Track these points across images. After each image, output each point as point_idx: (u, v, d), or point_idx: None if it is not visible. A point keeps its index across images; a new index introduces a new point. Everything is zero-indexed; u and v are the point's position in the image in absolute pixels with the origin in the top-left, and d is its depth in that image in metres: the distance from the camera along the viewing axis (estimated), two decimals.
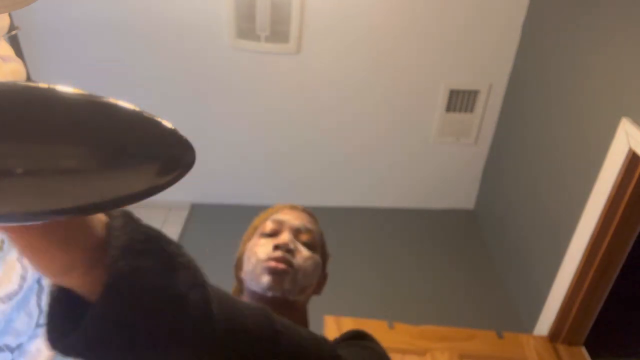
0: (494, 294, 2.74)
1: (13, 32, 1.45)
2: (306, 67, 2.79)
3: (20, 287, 1.43)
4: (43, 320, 1.61)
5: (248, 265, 0.90)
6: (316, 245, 0.96)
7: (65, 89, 0.36)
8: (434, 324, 2.24)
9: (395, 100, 2.93)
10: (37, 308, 1.56)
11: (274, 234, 0.93)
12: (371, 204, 3.29)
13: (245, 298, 0.90)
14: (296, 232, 0.94)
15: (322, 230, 1.04)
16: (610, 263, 1.99)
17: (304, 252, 0.91)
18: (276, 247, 0.88)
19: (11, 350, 1.47)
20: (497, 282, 2.81)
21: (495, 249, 2.97)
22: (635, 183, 1.79)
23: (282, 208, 1.00)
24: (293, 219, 0.96)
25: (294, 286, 0.87)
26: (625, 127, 1.78)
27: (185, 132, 0.43)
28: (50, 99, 0.36)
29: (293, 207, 1.01)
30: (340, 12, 2.63)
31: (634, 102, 1.77)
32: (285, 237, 0.91)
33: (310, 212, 1.03)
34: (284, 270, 0.86)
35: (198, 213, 3.16)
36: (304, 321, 0.93)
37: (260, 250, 0.89)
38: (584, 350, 2.22)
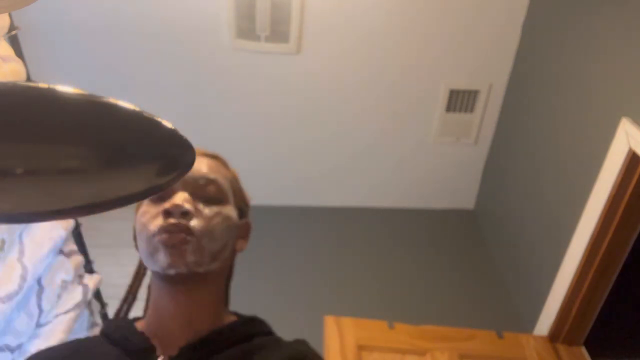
0: (494, 294, 2.74)
1: (13, 32, 1.45)
2: (306, 67, 2.79)
3: (20, 287, 1.43)
4: (43, 320, 1.61)
5: (140, 242, 0.75)
6: (224, 195, 0.78)
7: (65, 89, 0.36)
8: (434, 324, 2.23)
9: (395, 100, 2.93)
10: (37, 308, 1.56)
11: (165, 196, 0.74)
12: (371, 204, 3.29)
13: (153, 287, 0.78)
14: (194, 188, 0.74)
15: (235, 172, 0.87)
16: (610, 263, 1.99)
17: (205, 211, 0.73)
18: (167, 214, 0.70)
19: (11, 350, 1.48)
20: (497, 282, 2.81)
21: (495, 249, 2.97)
22: (635, 183, 1.79)
23: None
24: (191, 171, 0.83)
25: (200, 256, 0.71)
26: (625, 127, 1.78)
27: (185, 132, 0.43)
28: (50, 99, 0.36)
29: None
30: (340, 12, 2.63)
31: (634, 102, 1.77)
32: (177, 198, 0.71)
33: (213, 153, 0.84)
34: (181, 241, 0.69)
35: None
36: (220, 293, 0.79)
37: (149, 222, 0.72)
38: (584, 350, 2.22)
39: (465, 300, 2.68)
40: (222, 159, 0.85)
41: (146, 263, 0.75)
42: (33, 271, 1.49)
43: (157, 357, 0.71)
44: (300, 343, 0.78)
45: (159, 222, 0.71)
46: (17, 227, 1.50)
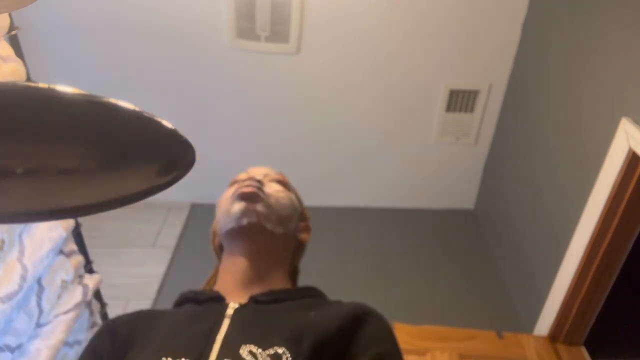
0: (494, 294, 2.74)
1: (13, 32, 1.45)
2: (306, 67, 2.79)
3: (20, 287, 1.43)
4: (43, 320, 1.61)
5: (220, 213, 0.88)
6: (289, 187, 0.96)
7: (65, 89, 0.36)
8: (434, 324, 2.24)
9: (395, 100, 2.93)
10: (37, 308, 1.56)
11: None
12: (371, 204, 3.29)
13: (226, 257, 0.87)
14: (264, 176, 0.93)
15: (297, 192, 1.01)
16: (610, 263, 1.99)
17: (274, 185, 0.90)
18: (243, 181, 0.88)
19: (11, 350, 1.47)
20: (497, 282, 2.81)
21: (495, 249, 2.97)
22: (635, 183, 1.79)
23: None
24: (259, 169, 0.97)
25: (269, 211, 0.84)
26: (625, 127, 1.78)
27: (185, 132, 0.43)
28: (50, 99, 0.36)
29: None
30: (340, 12, 2.63)
31: (634, 102, 1.77)
32: (250, 174, 0.92)
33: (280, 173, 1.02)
34: (253, 193, 0.84)
35: (198, 213, 3.16)
36: (285, 264, 0.89)
37: (228, 194, 0.88)
38: (584, 350, 2.22)
39: (465, 300, 2.68)
40: (285, 179, 0.99)
41: (224, 227, 0.85)
42: (33, 271, 1.49)
43: (227, 303, 0.77)
44: (357, 302, 0.83)
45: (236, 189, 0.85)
46: (17, 227, 1.50)
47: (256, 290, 0.80)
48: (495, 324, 2.35)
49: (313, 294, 0.85)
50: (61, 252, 1.70)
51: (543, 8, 2.52)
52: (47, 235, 1.58)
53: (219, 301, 0.79)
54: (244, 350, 0.67)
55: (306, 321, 0.73)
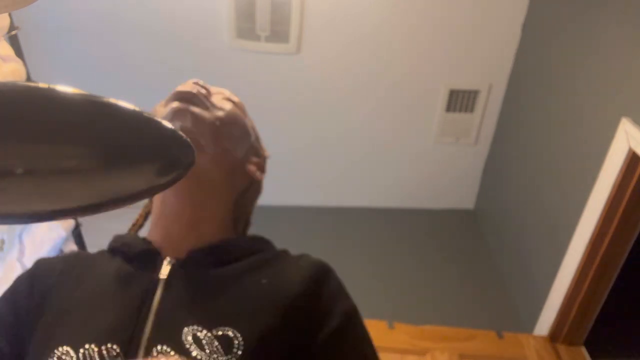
0: (494, 294, 2.74)
1: (13, 32, 1.45)
2: (306, 67, 2.79)
3: None
4: None
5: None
6: (246, 114, 0.80)
7: (65, 89, 0.36)
8: (434, 324, 2.24)
9: (395, 100, 2.93)
10: None
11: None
12: (371, 204, 3.28)
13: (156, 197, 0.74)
14: (217, 93, 0.79)
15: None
16: (610, 263, 1.99)
17: (225, 102, 0.76)
18: (178, 97, 0.72)
19: None
20: (497, 282, 2.81)
21: (495, 249, 2.97)
22: (635, 183, 1.79)
23: None
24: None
25: (208, 120, 0.70)
26: (625, 127, 1.78)
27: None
28: (50, 99, 0.36)
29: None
30: (340, 12, 2.63)
31: (634, 102, 1.77)
32: (191, 84, 0.75)
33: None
34: (192, 94, 0.72)
35: None
36: (227, 209, 0.75)
37: (160, 112, 0.74)
38: (584, 350, 2.22)
39: (465, 300, 2.68)
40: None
41: None
42: None
43: (162, 259, 0.66)
44: (308, 255, 0.76)
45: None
46: (17, 227, 1.50)
47: (192, 240, 0.69)
48: (495, 324, 2.35)
49: (261, 248, 0.73)
50: (61, 252, 1.70)
51: (543, 8, 2.52)
52: (47, 235, 1.58)
53: (152, 256, 0.67)
54: (187, 335, 0.57)
55: (258, 292, 0.64)
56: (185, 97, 0.71)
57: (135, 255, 0.68)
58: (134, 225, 0.86)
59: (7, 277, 1.42)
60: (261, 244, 0.75)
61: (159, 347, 0.57)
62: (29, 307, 0.66)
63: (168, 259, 0.67)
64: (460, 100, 2.92)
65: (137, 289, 0.63)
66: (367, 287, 2.71)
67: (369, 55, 2.77)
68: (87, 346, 0.58)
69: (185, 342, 0.57)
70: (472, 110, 2.95)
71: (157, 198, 0.73)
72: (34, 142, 0.34)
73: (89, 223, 1.89)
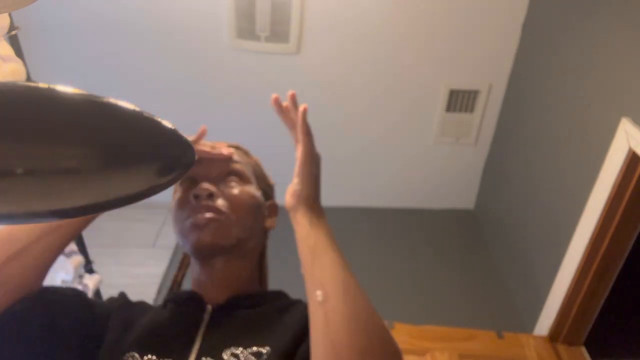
0: (494, 294, 2.74)
1: (13, 32, 1.45)
2: (306, 67, 2.79)
3: None
4: None
5: (174, 224, 0.84)
6: (246, 176, 0.88)
7: (65, 89, 0.36)
8: (434, 324, 2.24)
9: (395, 100, 2.93)
10: None
11: (196, 181, 0.84)
12: (371, 204, 3.29)
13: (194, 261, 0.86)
14: (218, 171, 0.84)
15: (257, 159, 0.98)
16: (610, 263, 1.99)
17: (229, 191, 0.83)
18: (195, 197, 0.79)
19: None
20: (497, 282, 2.81)
21: (495, 249, 2.97)
22: (635, 183, 1.79)
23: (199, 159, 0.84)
24: (208, 168, 0.84)
25: (227, 232, 0.79)
26: (625, 127, 1.78)
27: (185, 132, 0.43)
28: (50, 99, 0.36)
29: (212, 151, 0.86)
30: (340, 12, 2.63)
31: (634, 102, 1.77)
32: (202, 184, 0.81)
33: (234, 144, 0.96)
34: (209, 220, 0.78)
35: None
36: (253, 268, 0.88)
37: (181, 205, 0.82)
38: (584, 350, 2.22)
39: (465, 300, 2.68)
40: (243, 148, 0.95)
41: (182, 243, 0.82)
42: None
43: (206, 304, 0.80)
44: None
45: (189, 204, 0.80)
46: None
47: (232, 289, 0.82)
48: (495, 324, 2.35)
49: (282, 297, 0.88)
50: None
51: (543, 8, 2.52)
52: None
53: (198, 301, 0.81)
54: (226, 353, 0.71)
55: (281, 323, 0.77)
56: (201, 226, 0.78)
57: (183, 301, 0.82)
58: (175, 277, 0.99)
59: None
60: (281, 295, 0.88)
61: (203, 359, 0.71)
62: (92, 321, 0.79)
63: (209, 305, 0.81)
64: (460, 100, 2.92)
65: (189, 320, 0.78)
66: (367, 287, 2.70)
67: (368, 55, 2.77)
68: (150, 355, 0.71)
69: (225, 356, 0.71)
70: (472, 110, 2.95)
71: (193, 271, 0.86)
72: (34, 142, 0.34)
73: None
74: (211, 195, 0.79)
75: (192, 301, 0.81)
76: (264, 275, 0.97)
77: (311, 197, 0.83)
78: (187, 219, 0.79)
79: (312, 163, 0.87)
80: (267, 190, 0.94)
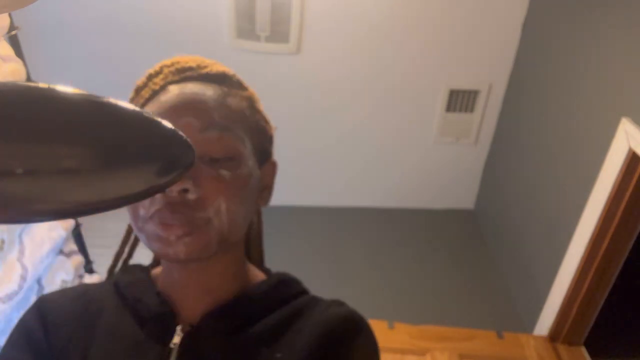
0: (494, 294, 2.74)
1: (13, 32, 1.45)
2: (306, 67, 2.79)
3: (20, 287, 1.43)
4: None
5: (130, 218, 0.60)
6: (237, 150, 0.59)
7: (65, 89, 0.36)
8: (434, 324, 2.24)
9: (395, 100, 2.93)
10: None
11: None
12: (371, 204, 3.28)
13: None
14: (199, 149, 0.54)
15: (250, 93, 0.67)
16: (610, 263, 1.99)
17: (216, 181, 0.56)
18: (166, 203, 0.55)
19: None
20: (497, 282, 2.81)
21: (495, 249, 2.97)
22: (635, 183, 1.79)
23: (169, 103, 0.60)
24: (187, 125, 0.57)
25: (205, 244, 0.56)
26: (625, 127, 1.78)
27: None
28: (50, 99, 0.36)
29: (182, 98, 0.60)
30: (340, 12, 2.63)
31: (634, 102, 1.77)
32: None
33: (218, 72, 0.64)
34: (181, 236, 0.55)
35: None
36: (241, 255, 0.67)
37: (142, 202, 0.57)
38: (584, 350, 2.22)
39: (465, 300, 2.68)
40: (230, 81, 0.64)
41: (145, 244, 0.60)
42: (33, 271, 1.49)
43: (176, 324, 0.61)
44: (340, 304, 0.67)
45: (153, 200, 0.55)
46: (17, 227, 1.50)
47: (214, 295, 0.63)
48: (495, 324, 2.36)
49: (283, 297, 0.66)
50: (61, 252, 1.70)
51: (543, 8, 2.52)
52: (47, 235, 1.58)
53: (166, 321, 0.62)
54: None
55: (288, 343, 0.60)
56: (168, 218, 0.55)
57: (147, 318, 0.62)
58: (117, 256, 0.75)
59: (7, 277, 1.42)
60: (286, 289, 0.67)
61: None
62: (48, 348, 0.62)
63: (181, 326, 0.61)
64: (460, 100, 2.92)
65: (152, 352, 0.60)
66: (367, 287, 2.72)
67: (369, 55, 2.77)
68: None
69: None
70: (472, 110, 2.95)
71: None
72: (34, 142, 0.34)
73: (89, 223, 1.89)
74: (186, 192, 0.55)
75: (160, 321, 0.62)
76: (256, 254, 0.75)
77: None
78: (149, 222, 0.56)
79: None
80: (265, 145, 0.67)
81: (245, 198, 0.60)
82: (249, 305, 0.64)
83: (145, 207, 0.56)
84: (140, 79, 0.73)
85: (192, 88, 0.61)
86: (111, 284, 0.69)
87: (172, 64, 0.68)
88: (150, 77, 0.70)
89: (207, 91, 0.61)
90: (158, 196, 0.55)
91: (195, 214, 0.55)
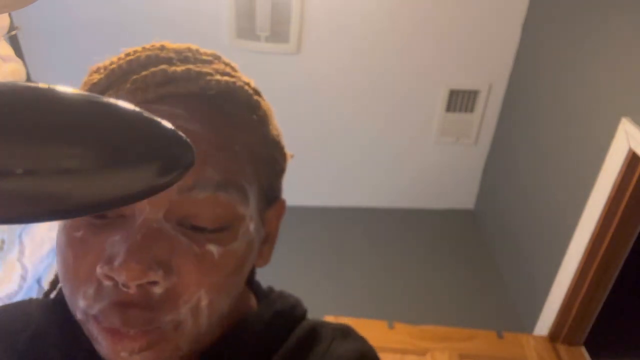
0: (494, 294, 2.74)
1: (13, 32, 1.46)
2: (306, 67, 2.79)
3: (20, 287, 1.43)
4: None
5: (65, 290, 0.41)
6: (237, 214, 0.43)
7: (65, 89, 0.36)
8: (434, 324, 2.24)
9: (395, 100, 2.93)
10: None
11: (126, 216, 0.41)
12: (371, 204, 3.28)
13: None
14: (179, 208, 0.40)
15: (266, 107, 0.51)
16: (610, 263, 1.99)
17: (197, 260, 0.40)
18: (118, 286, 0.38)
19: None
20: (497, 282, 2.81)
21: (495, 249, 2.97)
22: (635, 183, 1.79)
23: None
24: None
25: (173, 354, 0.41)
26: (625, 127, 1.78)
27: None
28: (50, 99, 0.36)
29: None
30: (340, 12, 2.63)
31: (634, 102, 1.77)
32: (129, 262, 0.37)
33: (211, 55, 0.50)
34: (139, 349, 0.38)
35: None
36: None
37: (78, 274, 0.39)
38: (584, 350, 2.22)
39: (465, 300, 2.68)
40: (239, 100, 0.48)
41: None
42: (33, 271, 1.49)
43: None
44: (344, 336, 0.55)
45: (101, 297, 0.39)
46: (17, 227, 1.50)
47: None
48: (495, 324, 2.36)
49: (283, 330, 0.52)
50: None
51: (543, 8, 2.52)
52: (47, 235, 1.58)
53: None
54: None
55: None
56: (119, 314, 0.38)
57: None
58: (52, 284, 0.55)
59: (7, 277, 1.42)
60: (283, 322, 0.53)
61: None
62: None
63: None
64: (460, 100, 2.92)
65: None
66: (367, 287, 2.72)
67: (369, 55, 2.77)
68: None
69: None
70: (472, 110, 2.95)
71: None
72: (34, 142, 0.34)
73: None
74: (154, 284, 0.38)
75: None
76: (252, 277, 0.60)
77: None
78: (91, 320, 0.39)
79: None
80: (274, 185, 0.54)
81: (237, 283, 0.45)
82: (239, 353, 0.48)
83: (88, 297, 0.39)
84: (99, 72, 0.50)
85: (180, 117, 0.43)
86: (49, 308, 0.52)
87: (151, 65, 0.48)
88: (116, 76, 0.49)
89: (204, 125, 0.44)
90: (107, 286, 0.38)
91: (162, 316, 0.39)
